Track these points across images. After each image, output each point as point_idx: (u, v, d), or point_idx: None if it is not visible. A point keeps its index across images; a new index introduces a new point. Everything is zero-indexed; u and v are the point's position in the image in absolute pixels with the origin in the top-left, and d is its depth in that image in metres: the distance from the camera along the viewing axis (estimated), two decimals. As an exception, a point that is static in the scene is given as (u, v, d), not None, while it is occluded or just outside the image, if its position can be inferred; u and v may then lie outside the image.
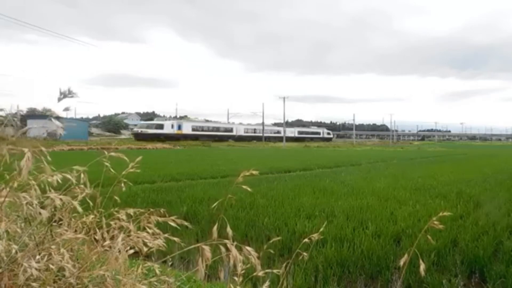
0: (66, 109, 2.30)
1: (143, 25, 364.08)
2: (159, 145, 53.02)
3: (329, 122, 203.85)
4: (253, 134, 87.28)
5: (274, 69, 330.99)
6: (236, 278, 2.21)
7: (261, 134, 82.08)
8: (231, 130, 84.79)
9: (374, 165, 22.76)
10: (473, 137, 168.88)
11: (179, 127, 71.72)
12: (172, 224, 2.42)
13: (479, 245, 5.70)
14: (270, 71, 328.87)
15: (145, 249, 2.27)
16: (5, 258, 1.87)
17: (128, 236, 2.23)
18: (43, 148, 1.88)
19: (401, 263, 2.03)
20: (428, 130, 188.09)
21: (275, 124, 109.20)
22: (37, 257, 2.00)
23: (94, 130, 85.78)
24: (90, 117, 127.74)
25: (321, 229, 2.72)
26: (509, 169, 18.92)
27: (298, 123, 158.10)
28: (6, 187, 2.01)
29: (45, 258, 2.01)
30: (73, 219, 2.46)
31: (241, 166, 19.63)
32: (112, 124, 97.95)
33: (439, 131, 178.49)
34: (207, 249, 1.88)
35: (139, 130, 67.96)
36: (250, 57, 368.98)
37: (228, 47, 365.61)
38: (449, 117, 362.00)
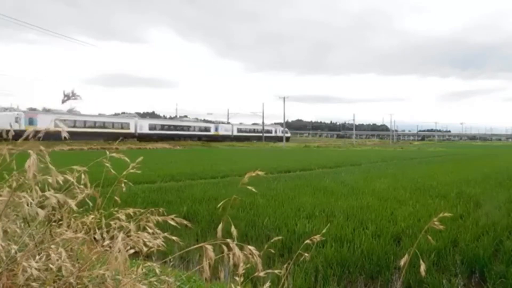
0: (70, 111, 2.29)
1: (143, 25, 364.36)
2: (159, 145, 53.15)
3: (329, 122, 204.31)
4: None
5: (274, 69, 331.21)
6: (237, 278, 2.20)
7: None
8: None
9: (374, 165, 22.77)
10: (473, 137, 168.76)
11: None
12: (172, 223, 2.41)
13: (479, 245, 5.70)
14: (270, 71, 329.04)
15: (145, 249, 2.26)
16: (4, 258, 1.86)
17: (128, 236, 2.23)
18: (42, 148, 1.87)
19: (402, 263, 2.03)
20: (428, 130, 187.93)
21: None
22: (37, 257, 2.00)
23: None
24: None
25: (324, 231, 2.72)
26: (509, 169, 18.91)
27: (298, 123, 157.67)
28: (6, 187, 2.01)
29: (45, 258, 2.01)
30: (73, 219, 2.46)
31: (241, 166, 19.63)
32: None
33: (439, 131, 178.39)
34: (210, 249, 1.88)
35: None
36: (250, 57, 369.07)
37: (228, 47, 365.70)
38: (449, 117, 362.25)
